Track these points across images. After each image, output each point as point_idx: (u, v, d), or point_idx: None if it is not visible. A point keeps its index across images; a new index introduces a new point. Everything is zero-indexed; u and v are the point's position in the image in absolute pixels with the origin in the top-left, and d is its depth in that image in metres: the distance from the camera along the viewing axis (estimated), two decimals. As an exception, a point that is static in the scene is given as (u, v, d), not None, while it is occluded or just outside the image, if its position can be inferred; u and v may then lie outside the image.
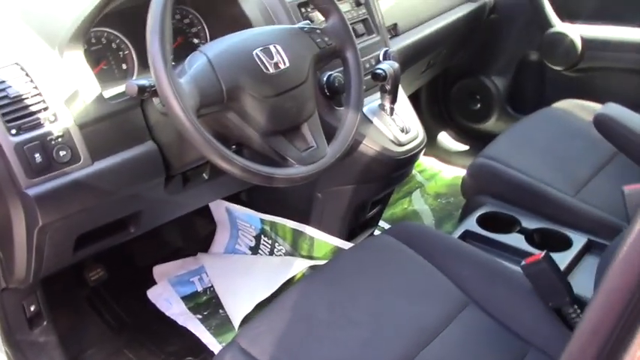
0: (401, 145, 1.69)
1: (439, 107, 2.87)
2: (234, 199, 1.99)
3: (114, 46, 1.46)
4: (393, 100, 1.67)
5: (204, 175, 1.56)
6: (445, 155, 2.80)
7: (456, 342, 1.34)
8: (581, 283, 1.45)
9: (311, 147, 1.33)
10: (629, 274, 0.51)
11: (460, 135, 2.85)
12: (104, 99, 1.29)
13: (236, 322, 1.82)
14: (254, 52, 1.27)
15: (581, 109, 2.11)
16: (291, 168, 1.27)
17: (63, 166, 1.22)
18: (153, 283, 1.97)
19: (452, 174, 2.65)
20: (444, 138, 2.89)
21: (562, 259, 1.55)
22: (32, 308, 1.53)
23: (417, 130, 1.76)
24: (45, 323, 1.57)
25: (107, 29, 1.44)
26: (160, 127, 1.35)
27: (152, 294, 1.93)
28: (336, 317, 1.33)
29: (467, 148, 2.83)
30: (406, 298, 1.41)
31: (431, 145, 2.71)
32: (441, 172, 2.68)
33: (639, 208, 1.08)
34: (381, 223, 2.22)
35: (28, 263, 1.31)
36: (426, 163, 2.72)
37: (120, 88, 1.35)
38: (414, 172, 2.62)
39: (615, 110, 1.66)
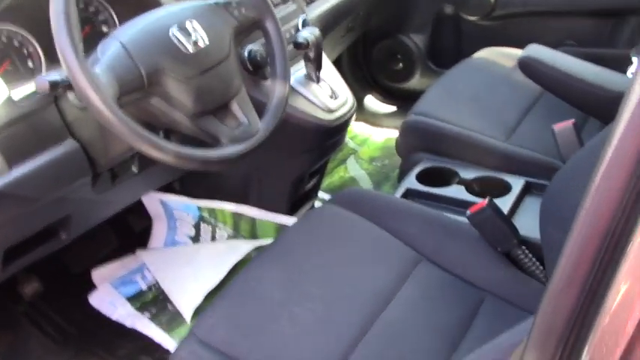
0: (332, 112, 1.66)
1: (362, 71, 2.85)
2: (167, 189, 1.92)
3: (16, 43, 1.36)
4: (318, 68, 1.64)
5: (133, 168, 1.49)
6: (374, 119, 2.80)
7: (413, 300, 1.33)
8: (526, 224, 1.47)
9: (243, 124, 1.28)
10: (599, 216, 0.49)
11: (386, 96, 2.85)
12: (13, 101, 1.20)
13: (187, 316, 1.77)
14: (170, 32, 1.21)
15: (501, 56, 2.13)
16: (225, 148, 1.21)
17: None
18: (91, 288, 1.87)
19: (383, 136, 2.65)
20: (371, 101, 2.88)
21: (503, 203, 1.57)
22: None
23: (345, 96, 1.73)
24: (-17, 346, 1.48)
25: (6, 26, 1.33)
26: (79, 124, 1.27)
27: (95, 299, 1.84)
28: (290, 294, 1.31)
29: (394, 108, 2.84)
30: (358, 265, 1.39)
31: (359, 109, 2.69)
32: (372, 136, 2.68)
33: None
34: (320, 194, 2.19)
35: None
36: (356, 128, 2.71)
37: (29, 88, 1.26)
38: (345, 139, 2.60)
39: (538, 51, 1.69)
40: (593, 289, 0.50)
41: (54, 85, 1.09)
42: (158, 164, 1.56)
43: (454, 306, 1.33)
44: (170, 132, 1.35)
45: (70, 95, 1.20)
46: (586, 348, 0.50)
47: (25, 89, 1.27)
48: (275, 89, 1.36)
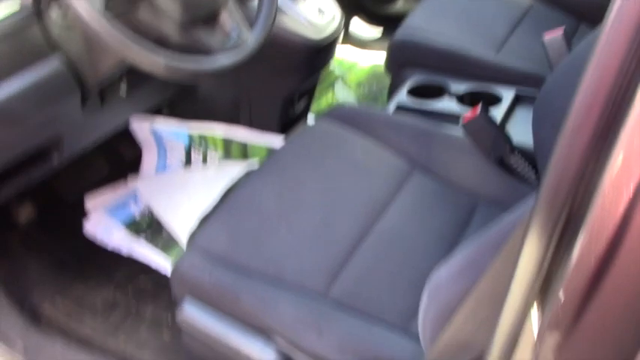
0: (320, 29, 1.64)
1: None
2: (155, 114, 1.90)
3: None
4: (305, -16, 1.61)
5: (121, 90, 1.47)
6: (359, 44, 2.77)
7: (408, 208, 1.35)
8: (517, 133, 1.48)
9: (232, 35, 1.26)
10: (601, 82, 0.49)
11: (371, 20, 2.81)
12: None
13: (182, 239, 1.78)
14: None
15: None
16: (216, 58, 1.20)
17: None
18: (85, 216, 1.88)
19: (369, 62, 2.63)
20: (356, 25, 2.84)
21: (495, 114, 1.58)
22: (-36, 257, 1.43)
23: (333, 13, 1.71)
24: (-19, 271, 1.48)
25: None
26: (65, 39, 1.24)
27: (89, 226, 1.85)
28: (287, 205, 1.32)
29: (379, 34, 2.80)
30: (352, 176, 1.40)
31: (344, 34, 2.66)
32: (359, 62, 2.65)
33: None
34: (309, 120, 2.18)
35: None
36: (342, 54, 2.68)
37: (10, 5, 1.22)
38: (331, 66, 2.58)
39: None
40: (597, 152, 0.51)
41: None
42: (146, 86, 1.55)
43: (448, 212, 1.35)
44: (161, 45, 1.33)
45: (54, 12, 1.17)
46: (589, 210, 0.51)
47: (7, 7, 1.24)
48: (264, 0, 1.34)
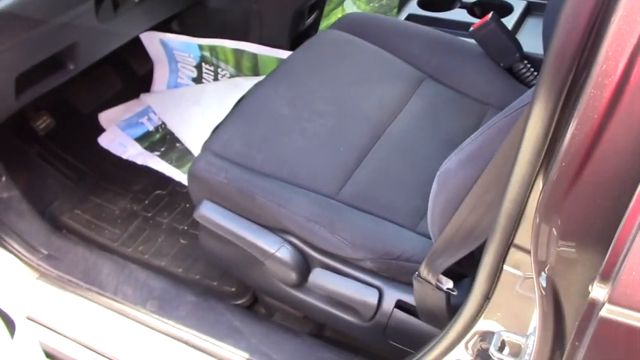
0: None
1: None
2: (166, 31, 1.91)
3: None
4: None
5: (134, -4, 1.47)
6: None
7: (419, 114, 1.38)
8: (528, 42, 1.49)
9: None
10: None
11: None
12: None
13: (196, 151, 1.81)
14: None
15: None
16: None
17: None
18: (101, 130, 1.91)
19: (380, -23, 2.59)
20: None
21: (506, 23, 1.57)
22: (-14, 166, 1.48)
23: None
24: (3, 179, 1.53)
25: None
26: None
27: (104, 140, 1.88)
28: (300, 111, 1.34)
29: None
30: (364, 84, 1.42)
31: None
32: (369, -22, 2.61)
33: None
34: (319, 35, 2.18)
35: (-29, 113, 1.25)
36: (351, -29, 2.64)
37: None
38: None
39: None
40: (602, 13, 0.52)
41: None
42: (158, -5, 1.55)
43: (458, 118, 1.38)
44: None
45: None
46: (593, 69, 0.52)
47: None
48: None
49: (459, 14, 1.65)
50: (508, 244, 0.71)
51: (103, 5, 1.38)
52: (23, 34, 1.21)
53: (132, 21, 1.57)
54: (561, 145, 0.54)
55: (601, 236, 0.52)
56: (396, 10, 2.06)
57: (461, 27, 1.60)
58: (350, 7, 2.44)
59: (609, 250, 0.49)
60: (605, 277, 0.49)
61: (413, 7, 1.69)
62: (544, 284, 0.60)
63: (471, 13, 1.66)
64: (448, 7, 1.68)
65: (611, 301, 0.49)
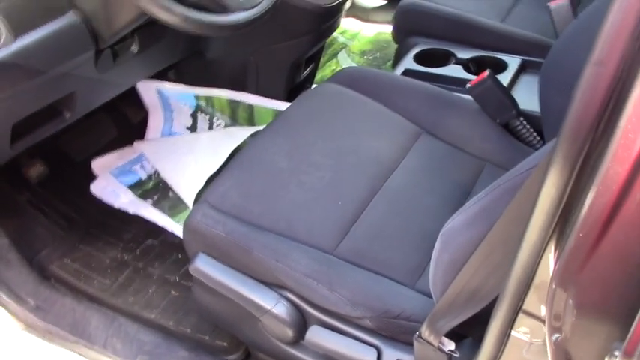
0: (328, -7, 1.66)
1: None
2: (162, 79, 1.91)
3: None
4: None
5: (133, 48, 1.48)
6: (363, 14, 2.77)
7: (415, 170, 1.38)
8: (523, 99, 1.50)
9: None
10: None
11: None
12: None
13: (189, 201, 1.80)
14: None
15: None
16: (233, 14, 1.21)
17: None
18: (93, 178, 1.89)
19: (373, 31, 2.64)
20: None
21: (500, 80, 1.60)
22: (-25, 214, 1.45)
23: (340, -23, 1.72)
24: (-8, 227, 1.50)
25: None
26: (82, -5, 1.26)
27: (96, 188, 1.86)
28: (297, 164, 1.34)
29: (384, 2, 2.81)
30: (361, 137, 1.42)
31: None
32: (362, 31, 2.66)
33: None
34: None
35: (-33, 160, 1.23)
36: (345, 24, 2.69)
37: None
38: (335, 34, 2.59)
39: None
40: (619, 88, 0.53)
41: None
42: (156, 45, 1.56)
43: (455, 174, 1.38)
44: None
45: None
46: (609, 145, 0.52)
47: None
48: None
49: (454, 70, 1.67)
50: (517, 309, 0.70)
51: (103, 56, 1.38)
52: (22, 84, 1.21)
53: (130, 71, 1.57)
54: (578, 214, 0.53)
55: (620, 308, 0.51)
56: (390, 63, 2.09)
57: (457, 83, 1.62)
58: (344, 59, 2.48)
59: (633, 326, 0.48)
60: (629, 354, 0.48)
61: (409, 62, 1.72)
62: (557, 351, 0.58)
63: (467, 69, 1.68)
64: (444, 63, 1.71)
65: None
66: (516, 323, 0.72)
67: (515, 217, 0.72)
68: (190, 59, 1.79)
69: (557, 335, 0.59)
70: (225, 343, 1.48)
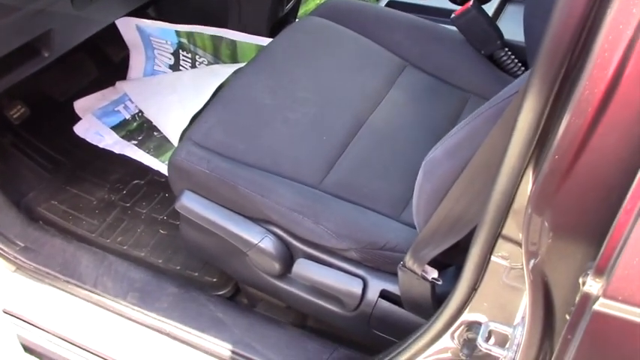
0: None
1: None
2: (142, 17, 1.87)
3: None
4: None
5: (109, -17, 1.44)
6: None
7: (401, 102, 1.37)
8: (508, 30, 1.48)
9: None
10: None
11: None
12: None
13: (174, 140, 1.78)
14: None
15: None
16: None
17: None
18: (77, 119, 1.87)
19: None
20: None
21: (486, 10, 1.57)
22: (-41, 158, 1.44)
23: None
24: (-24, 170, 1.49)
25: None
26: None
27: (79, 129, 1.84)
28: (281, 100, 1.33)
29: None
30: (345, 71, 1.41)
31: None
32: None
33: None
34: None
35: (-57, 102, 1.21)
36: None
37: None
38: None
39: None
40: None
41: None
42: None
43: (440, 106, 1.38)
44: None
45: None
46: (587, 63, 0.52)
47: None
48: None
49: (439, 1, 1.65)
50: (496, 235, 0.71)
51: (79, -8, 1.35)
52: (-3, 21, 1.18)
53: (108, 7, 1.54)
54: (554, 138, 0.53)
55: (593, 229, 0.52)
56: (376, -3, 2.05)
57: (442, 14, 1.60)
58: (329, -7, 2.42)
59: (604, 244, 0.49)
60: (600, 271, 0.49)
61: (394, -6, 1.69)
62: (534, 275, 0.60)
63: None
64: (430, -6, 1.68)
65: (606, 295, 0.49)
66: (496, 249, 0.73)
67: (496, 145, 0.72)
68: (170, -5, 1.75)
69: (533, 259, 0.60)
70: (214, 279, 1.50)
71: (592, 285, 0.50)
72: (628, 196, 0.47)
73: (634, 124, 0.48)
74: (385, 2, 1.66)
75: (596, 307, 0.49)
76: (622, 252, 0.48)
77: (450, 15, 1.41)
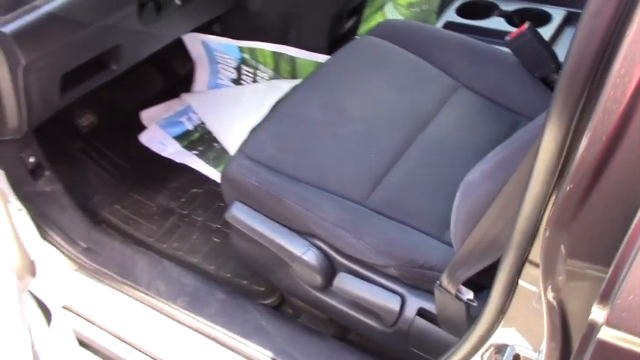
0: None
1: None
2: (207, 32, 1.95)
3: None
4: None
5: (176, 0, 1.52)
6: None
7: (451, 122, 1.38)
8: (565, 52, 1.47)
9: None
10: None
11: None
12: None
13: (232, 152, 1.84)
14: None
15: None
16: None
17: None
18: (141, 128, 1.97)
19: (422, -18, 2.59)
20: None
21: (544, 33, 1.56)
22: (31, 160, 1.54)
23: None
24: (47, 173, 1.59)
25: None
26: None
27: (144, 138, 1.94)
28: (332, 116, 1.36)
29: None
30: (397, 90, 1.43)
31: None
32: (411, -17, 2.61)
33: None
34: (358, 39, 2.19)
35: (18, 109, 1.30)
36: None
37: None
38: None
39: None
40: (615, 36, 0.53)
41: None
42: (200, -2, 1.60)
43: (490, 128, 1.38)
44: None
45: None
46: (603, 91, 0.52)
47: None
48: None
49: (497, 23, 1.65)
50: (523, 259, 0.72)
51: (146, 8, 1.43)
52: (69, 36, 1.26)
53: (174, 23, 1.61)
54: (571, 166, 0.54)
55: (607, 257, 0.52)
56: (435, 16, 2.06)
57: (498, 35, 1.60)
58: (391, 12, 2.45)
59: (609, 272, 0.50)
60: (604, 299, 0.50)
61: (451, 15, 1.69)
62: (551, 300, 0.60)
63: (510, 21, 1.65)
64: (487, 15, 1.68)
65: (609, 323, 0.49)
66: (523, 273, 0.74)
67: (527, 171, 0.73)
68: (233, 11, 1.82)
69: (551, 285, 0.60)
70: (262, 288, 1.54)
71: (597, 313, 0.50)
72: (632, 226, 0.48)
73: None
74: (442, 23, 1.67)
75: (600, 335, 0.50)
76: (624, 281, 0.48)
77: (504, 37, 1.41)
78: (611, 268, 0.50)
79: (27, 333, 0.83)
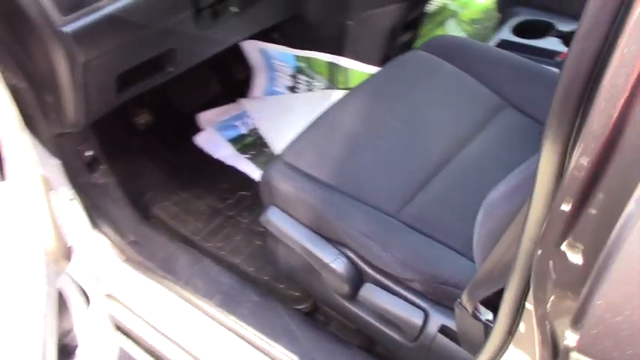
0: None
1: None
2: (266, 40, 2.00)
3: None
4: None
5: (233, 8, 1.56)
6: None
7: (494, 141, 1.37)
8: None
9: None
10: None
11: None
12: None
13: (282, 157, 1.89)
14: None
15: None
16: None
17: (94, 0, 1.25)
18: (195, 129, 2.03)
19: (488, -1, 2.56)
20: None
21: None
22: (88, 153, 1.61)
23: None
24: (102, 167, 1.66)
25: None
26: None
27: (200, 140, 2.01)
28: (375, 128, 1.37)
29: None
30: (441, 106, 1.43)
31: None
32: (477, -1, 2.59)
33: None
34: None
35: (76, 104, 1.37)
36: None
37: None
38: (446, 0, 2.54)
39: None
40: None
41: None
42: (258, 5, 1.64)
43: (533, 149, 1.35)
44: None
45: None
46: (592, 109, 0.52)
47: None
48: None
49: (552, 43, 1.62)
50: (528, 281, 0.71)
51: (203, 14, 1.48)
52: (126, 37, 1.33)
53: (231, 29, 1.66)
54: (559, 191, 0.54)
55: (581, 282, 0.52)
56: (492, 34, 2.04)
57: (553, 56, 1.57)
58: (453, 27, 2.44)
59: (581, 297, 0.49)
60: (575, 323, 0.49)
61: (506, 34, 1.68)
62: (541, 322, 0.60)
63: (565, 42, 1.62)
64: (542, 35, 1.65)
65: (579, 349, 0.49)
66: (529, 296, 0.73)
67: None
68: (291, 21, 1.86)
69: (541, 307, 0.60)
70: (297, 293, 1.57)
71: (569, 337, 0.50)
72: (602, 253, 0.47)
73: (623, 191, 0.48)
74: (497, 41, 1.66)
75: (571, 360, 0.50)
76: (591, 304, 0.47)
77: (554, 57, 1.39)
78: (583, 292, 0.49)
79: (53, 313, 0.88)
